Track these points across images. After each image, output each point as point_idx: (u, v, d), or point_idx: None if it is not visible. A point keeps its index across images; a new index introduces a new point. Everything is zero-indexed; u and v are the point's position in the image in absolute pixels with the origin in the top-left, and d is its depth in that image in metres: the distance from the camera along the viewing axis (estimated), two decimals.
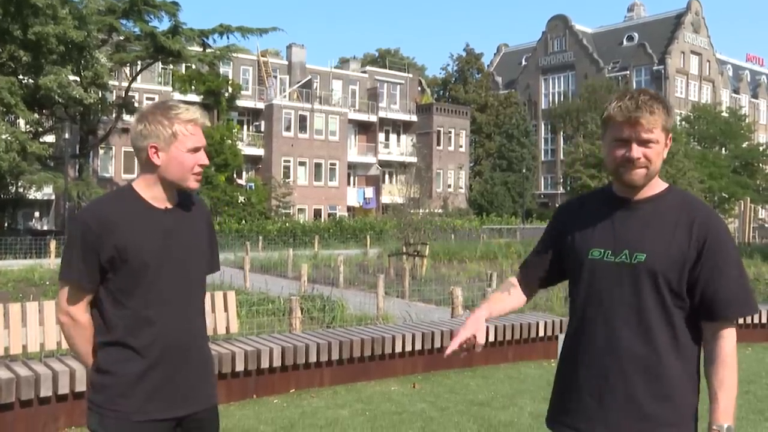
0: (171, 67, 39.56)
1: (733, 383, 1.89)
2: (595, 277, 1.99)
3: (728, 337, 1.91)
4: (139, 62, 34.00)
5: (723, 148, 52.09)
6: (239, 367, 5.54)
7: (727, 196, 48.73)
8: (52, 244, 21.22)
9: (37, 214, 39.66)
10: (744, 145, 52.72)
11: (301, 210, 44.35)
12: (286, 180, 43.34)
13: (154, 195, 2.18)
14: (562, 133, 61.78)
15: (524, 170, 53.70)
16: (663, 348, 1.91)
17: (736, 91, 69.80)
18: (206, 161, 2.19)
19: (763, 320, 8.58)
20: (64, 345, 5.61)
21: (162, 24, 33.13)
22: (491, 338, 7.06)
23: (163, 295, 2.13)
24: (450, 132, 53.09)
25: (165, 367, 2.13)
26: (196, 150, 2.15)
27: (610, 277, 1.96)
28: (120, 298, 2.12)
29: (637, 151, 1.91)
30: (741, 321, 8.39)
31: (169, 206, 2.20)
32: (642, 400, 1.90)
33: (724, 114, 53.43)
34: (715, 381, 1.89)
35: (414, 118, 53.19)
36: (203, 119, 2.17)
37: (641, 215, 1.96)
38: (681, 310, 1.92)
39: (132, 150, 2.22)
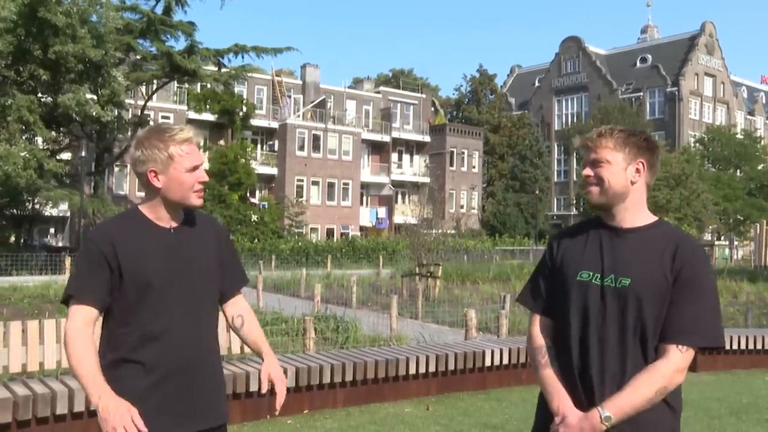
0: (186, 86, 40.00)
1: (647, 392, 1.90)
2: (581, 298, 2.05)
3: (670, 358, 1.93)
4: (155, 81, 34.40)
5: (738, 170, 51.73)
6: (253, 387, 5.54)
7: (742, 219, 48.32)
8: (67, 261, 21.41)
9: (52, 230, 40.01)
10: (759, 167, 52.34)
11: (313, 229, 44.41)
12: (299, 199, 43.46)
13: (158, 215, 2.24)
14: (575, 154, 61.64)
15: (537, 191, 53.58)
16: (633, 369, 1.96)
17: (750, 113, 69.51)
18: (206, 178, 2.25)
19: None
20: None
21: (178, 43, 33.47)
22: (505, 361, 7.03)
23: (169, 312, 2.16)
24: (463, 152, 53.16)
25: (175, 382, 2.16)
26: (194, 168, 2.21)
27: (595, 299, 2.03)
28: (126, 315, 2.16)
29: (587, 170, 2.10)
30: (759, 347, 8.30)
31: (175, 225, 2.26)
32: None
33: (739, 136, 53.12)
34: (631, 381, 1.93)
35: (427, 138, 53.35)
36: (197, 138, 2.25)
37: (628, 243, 2.05)
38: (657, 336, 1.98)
39: None
